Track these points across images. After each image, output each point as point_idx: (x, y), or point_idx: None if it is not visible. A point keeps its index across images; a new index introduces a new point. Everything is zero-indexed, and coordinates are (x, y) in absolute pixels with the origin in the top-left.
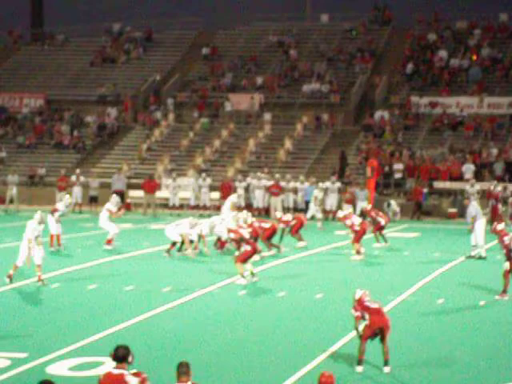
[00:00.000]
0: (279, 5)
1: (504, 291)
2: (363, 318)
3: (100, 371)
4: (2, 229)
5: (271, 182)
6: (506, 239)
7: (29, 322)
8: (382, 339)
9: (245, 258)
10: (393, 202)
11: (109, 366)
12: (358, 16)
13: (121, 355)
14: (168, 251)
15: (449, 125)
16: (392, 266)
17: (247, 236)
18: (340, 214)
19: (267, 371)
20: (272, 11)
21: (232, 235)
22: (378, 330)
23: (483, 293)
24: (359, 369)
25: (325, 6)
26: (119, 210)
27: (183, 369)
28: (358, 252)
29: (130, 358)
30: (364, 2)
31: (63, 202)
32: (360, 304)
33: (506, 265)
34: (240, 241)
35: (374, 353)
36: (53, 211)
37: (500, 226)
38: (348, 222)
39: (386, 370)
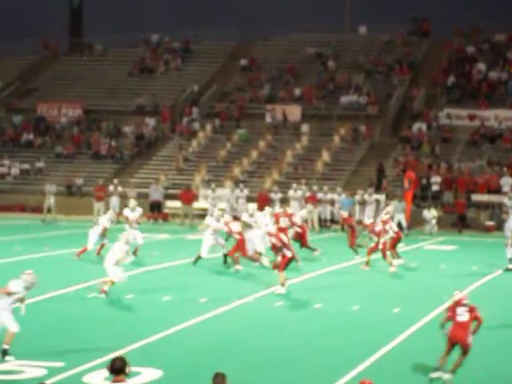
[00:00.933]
0: (318, 16)
1: None
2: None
3: (135, 381)
4: (40, 238)
5: (308, 194)
6: None
7: (66, 332)
8: (462, 353)
9: (286, 265)
10: (433, 210)
11: (146, 375)
12: (397, 28)
13: (118, 367)
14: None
15: (487, 137)
16: (429, 279)
17: (287, 241)
18: (367, 220)
19: (303, 382)
20: (310, 23)
21: (273, 240)
22: (455, 344)
23: None
24: (434, 375)
25: (363, 17)
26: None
27: (218, 379)
28: (392, 261)
29: (127, 370)
30: (402, 14)
31: (108, 216)
32: (453, 309)
33: None
34: (281, 246)
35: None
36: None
37: None
38: (376, 229)
39: (446, 376)
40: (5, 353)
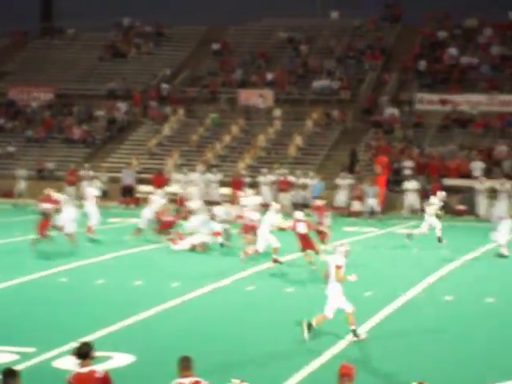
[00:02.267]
0: (289, 1)
1: None
2: None
3: (106, 366)
4: (11, 223)
5: (281, 178)
6: None
7: (37, 317)
8: None
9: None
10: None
11: (117, 360)
12: (368, 13)
13: (83, 352)
14: None
15: (458, 122)
16: (400, 263)
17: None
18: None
19: (268, 368)
20: (282, 7)
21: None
22: None
23: (492, 289)
24: None
25: (335, 2)
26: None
27: (185, 363)
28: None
29: (92, 354)
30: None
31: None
32: None
33: None
34: None
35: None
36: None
37: None
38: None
39: None
40: (355, 333)
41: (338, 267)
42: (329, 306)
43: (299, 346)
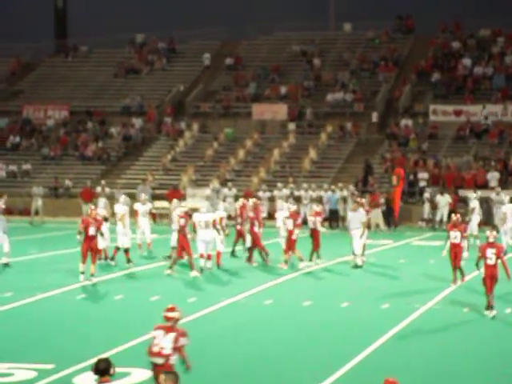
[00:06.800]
0: (302, 14)
1: None
2: None
3: (124, 382)
4: (27, 240)
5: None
6: None
7: (56, 333)
8: None
9: None
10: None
11: (135, 376)
12: (381, 25)
13: (102, 368)
14: None
15: (473, 133)
16: (417, 274)
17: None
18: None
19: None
20: (295, 21)
21: None
22: None
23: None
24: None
25: (348, 15)
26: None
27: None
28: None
29: (111, 370)
30: (387, 11)
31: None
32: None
33: None
34: None
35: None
36: None
37: None
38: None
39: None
40: None
41: None
42: None
43: (315, 359)
